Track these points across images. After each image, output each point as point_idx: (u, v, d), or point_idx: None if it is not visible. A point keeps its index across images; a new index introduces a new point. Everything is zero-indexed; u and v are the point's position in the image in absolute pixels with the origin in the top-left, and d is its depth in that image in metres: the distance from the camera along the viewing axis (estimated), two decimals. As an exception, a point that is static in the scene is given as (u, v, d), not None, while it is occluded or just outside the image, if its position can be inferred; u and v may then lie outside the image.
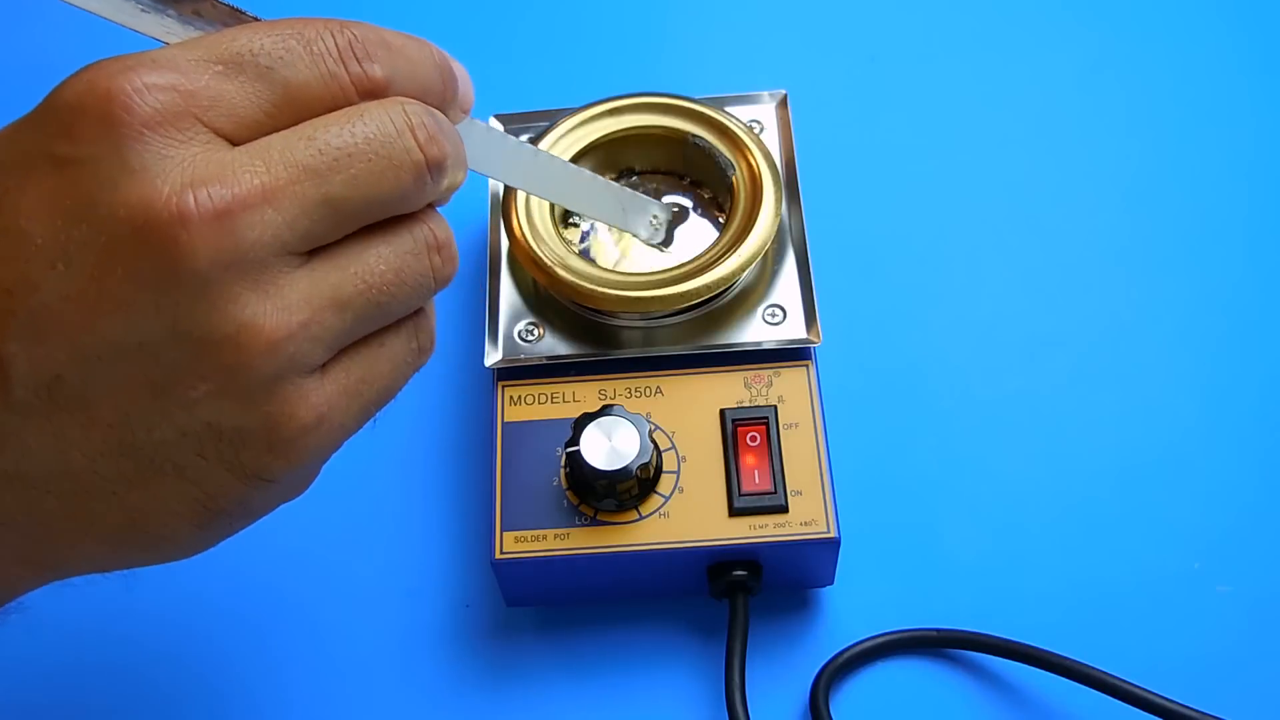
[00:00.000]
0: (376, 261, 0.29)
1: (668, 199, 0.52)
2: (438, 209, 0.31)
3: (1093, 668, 0.43)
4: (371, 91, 0.29)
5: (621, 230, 0.47)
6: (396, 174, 0.29)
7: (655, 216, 0.48)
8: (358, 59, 0.29)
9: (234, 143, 0.27)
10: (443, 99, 0.31)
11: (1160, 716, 0.42)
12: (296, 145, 0.27)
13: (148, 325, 0.26)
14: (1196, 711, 0.42)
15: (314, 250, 0.28)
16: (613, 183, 0.45)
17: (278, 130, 0.28)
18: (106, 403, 0.27)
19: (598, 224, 0.51)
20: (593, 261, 0.49)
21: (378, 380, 0.31)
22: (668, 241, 0.49)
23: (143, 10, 0.29)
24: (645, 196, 0.48)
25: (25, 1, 0.68)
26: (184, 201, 0.26)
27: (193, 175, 0.26)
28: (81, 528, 0.29)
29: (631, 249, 0.50)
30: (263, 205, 0.27)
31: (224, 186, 0.26)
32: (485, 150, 0.36)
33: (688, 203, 0.52)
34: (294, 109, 0.28)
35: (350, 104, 0.29)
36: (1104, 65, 0.62)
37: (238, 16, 0.30)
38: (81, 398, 0.27)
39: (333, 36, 0.28)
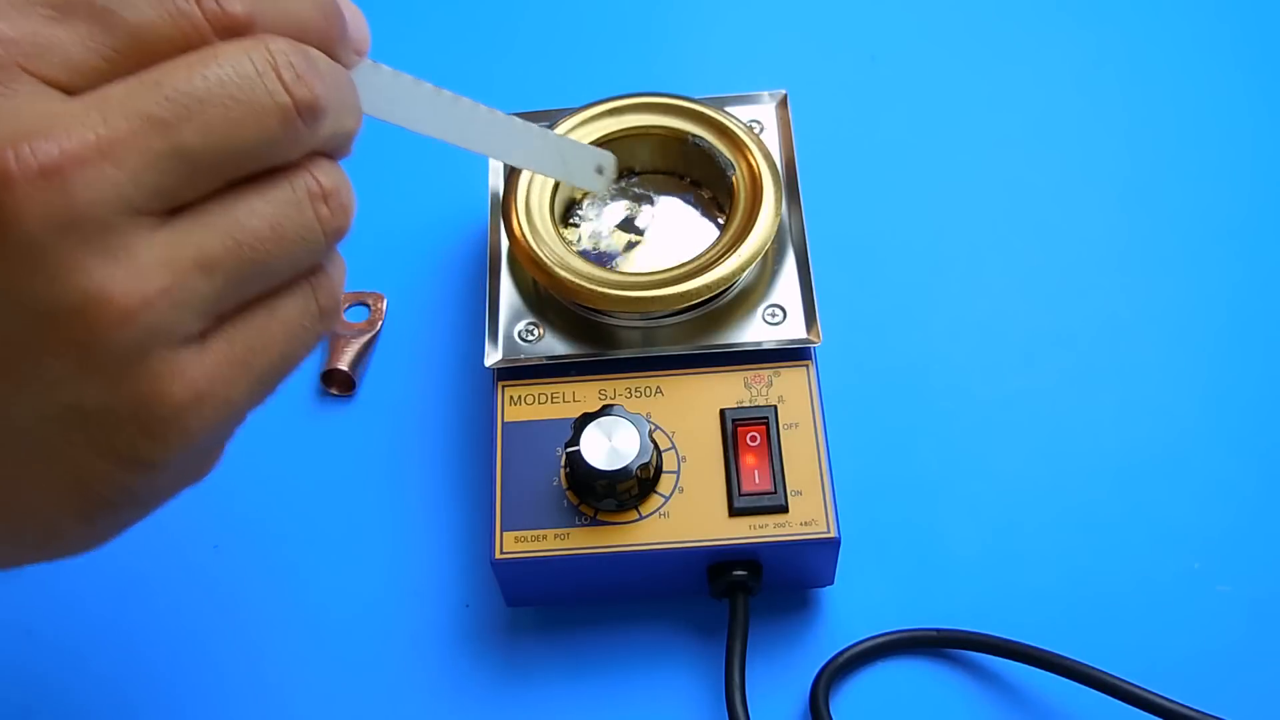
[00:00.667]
0: (248, 216, 0.26)
1: (668, 199, 0.52)
2: (338, 162, 0.28)
3: (1093, 668, 0.43)
4: (231, 30, 0.25)
5: (567, 183, 0.45)
6: (258, 119, 0.25)
7: (600, 167, 0.45)
8: None
9: (69, 94, 0.24)
10: (326, 38, 0.27)
11: (1160, 716, 0.42)
12: (139, 93, 0.24)
13: None
14: (1196, 711, 0.42)
15: (176, 210, 0.25)
16: (549, 131, 0.42)
17: (121, 78, 0.25)
18: None
19: (594, 226, 0.51)
20: (592, 260, 0.49)
21: (270, 348, 0.27)
22: (638, 229, 0.48)
23: None
24: (588, 145, 0.45)
25: None
26: (5, 160, 0.23)
27: (15, 130, 0.23)
28: None
29: (623, 244, 0.50)
30: (100, 161, 0.24)
31: (51, 141, 0.23)
32: (391, 96, 0.32)
33: (684, 203, 0.52)
34: (138, 54, 0.25)
35: (206, 46, 0.25)
36: (1103, 65, 0.62)
37: None
38: None
39: None
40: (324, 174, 0.27)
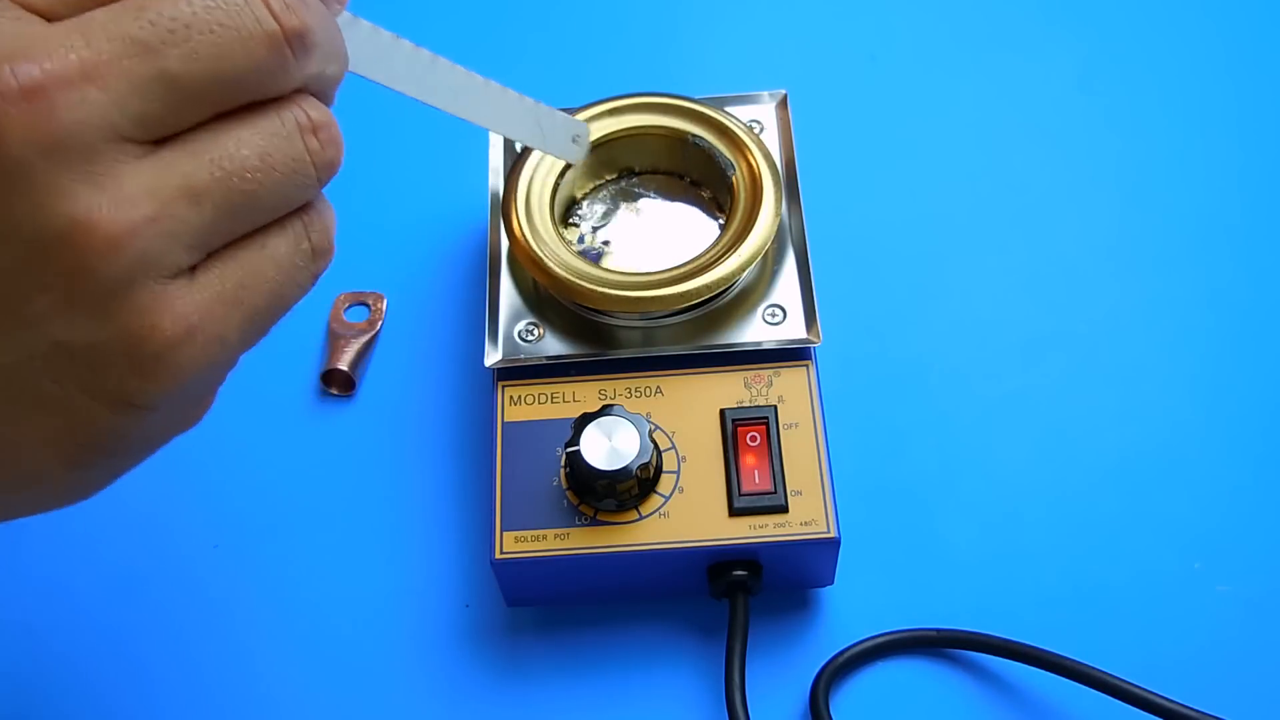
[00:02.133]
0: (236, 146, 0.25)
1: (667, 200, 0.52)
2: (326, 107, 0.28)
3: (1093, 668, 0.43)
4: None
5: (541, 151, 0.44)
6: (245, 46, 0.25)
7: (576, 136, 0.45)
8: None
9: (50, 20, 0.24)
10: None
11: (1160, 716, 0.42)
12: (123, 17, 0.24)
13: None
14: (1196, 711, 0.42)
15: (161, 141, 0.25)
16: (527, 97, 0.41)
17: (103, 4, 0.24)
18: None
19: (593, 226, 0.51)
20: (592, 260, 0.49)
21: (262, 285, 0.27)
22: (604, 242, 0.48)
23: None
24: (565, 114, 0.45)
25: None
26: None
27: None
28: None
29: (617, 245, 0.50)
30: (83, 83, 0.23)
31: (34, 63, 0.23)
32: (371, 52, 0.32)
33: (684, 203, 0.52)
34: None
35: None
36: (1104, 65, 0.62)
37: None
38: None
39: None
40: (313, 107, 0.27)
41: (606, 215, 0.51)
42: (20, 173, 0.23)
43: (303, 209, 0.28)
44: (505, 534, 0.44)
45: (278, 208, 0.27)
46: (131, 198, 0.24)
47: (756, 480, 0.44)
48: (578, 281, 0.46)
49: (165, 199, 0.25)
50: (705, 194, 0.52)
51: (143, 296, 0.25)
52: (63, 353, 0.25)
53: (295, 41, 0.26)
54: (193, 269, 0.26)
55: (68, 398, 0.25)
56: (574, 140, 0.45)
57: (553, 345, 0.47)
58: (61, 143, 0.23)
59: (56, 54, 0.23)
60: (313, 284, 0.29)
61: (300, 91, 0.27)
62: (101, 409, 0.26)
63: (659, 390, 0.46)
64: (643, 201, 0.52)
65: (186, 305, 0.25)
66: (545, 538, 0.44)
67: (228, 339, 0.26)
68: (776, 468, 0.44)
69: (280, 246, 0.27)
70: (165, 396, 0.26)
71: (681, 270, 0.47)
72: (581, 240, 0.50)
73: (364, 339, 0.53)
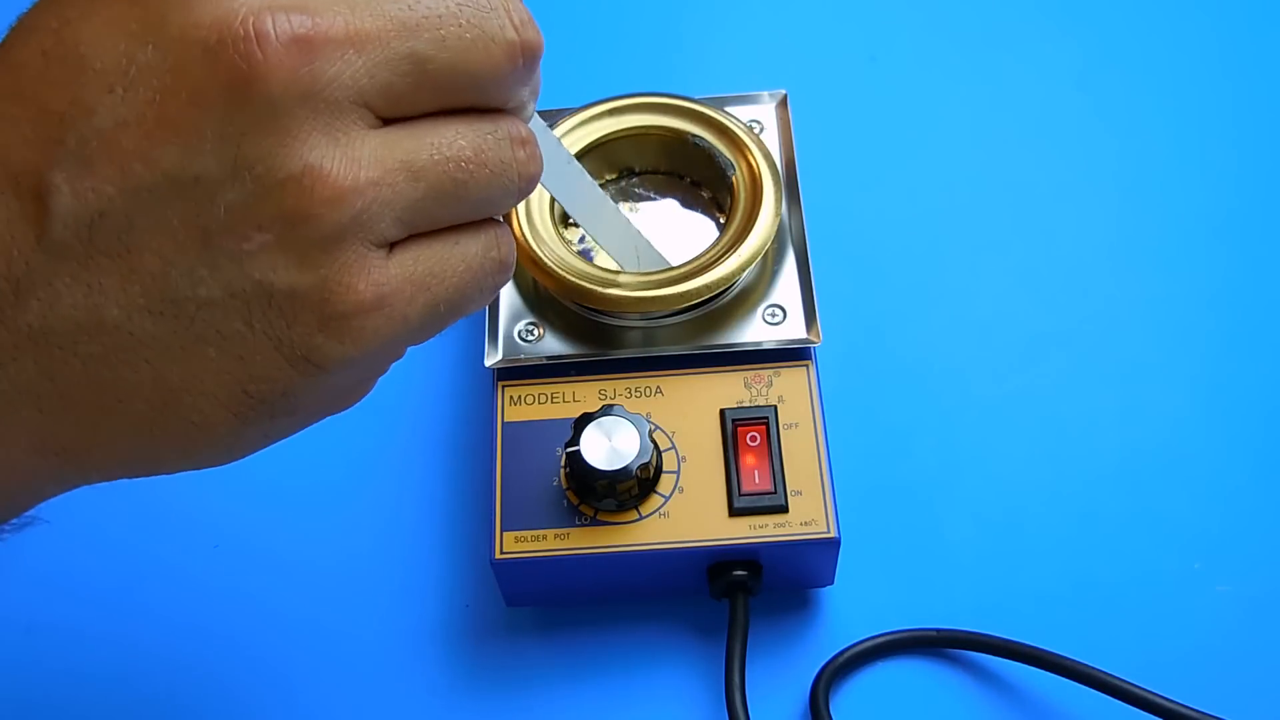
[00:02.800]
0: (455, 136, 0.28)
1: (668, 200, 0.52)
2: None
3: (1093, 668, 0.43)
4: None
5: (630, 270, 0.47)
6: (488, 47, 0.27)
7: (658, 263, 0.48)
8: None
9: None
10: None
11: (1160, 716, 0.42)
12: None
13: (208, 155, 0.25)
14: (1196, 711, 0.42)
15: (392, 121, 0.27)
16: (632, 224, 0.45)
17: None
18: (152, 248, 0.25)
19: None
20: (592, 261, 0.49)
21: (448, 279, 0.28)
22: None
23: None
24: (658, 251, 0.47)
25: None
26: (262, 21, 0.24)
27: (274, 1, 0.25)
28: (108, 404, 0.26)
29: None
30: (345, 44, 0.25)
31: (308, 15, 0.25)
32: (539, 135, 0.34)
33: (684, 203, 0.52)
34: None
35: None
36: (1103, 64, 0.62)
37: None
38: (125, 241, 0.25)
39: None
40: (522, 126, 0.29)
41: None
42: (273, 112, 0.25)
43: (494, 222, 0.30)
44: (505, 534, 0.44)
45: (479, 207, 0.29)
46: (361, 159, 0.26)
47: (756, 480, 0.44)
48: (578, 281, 0.46)
49: (389, 168, 0.26)
50: (705, 194, 0.52)
51: (348, 255, 0.26)
52: (262, 294, 0.26)
53: (528, 56, 0.28)
54: (392, 246, 0.27)
55: (254, 342, 0.26)
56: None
57: (553, 345, 0.47)
58: (315, 94, 0.25)
59: (327, 14, 0.25)
60: (491, 295, 0.30)
61: (512, 110, 0.29)
62: (281, 360, 0.27)
63: (659, 390, 0.46)
64: (643, 202, 0.52)
65: (382, 275, 0.27)
66: (545, 538, 0.44)
67: (409, 320, 0.28)
68: (776, 468, 0.44)
69: (472, 247, 0.29)
70: (341, 360, 0.27)
71: (681, 270, 0.47)
72: (582, 240, 0.50)
73: (364, 339, 0.53)
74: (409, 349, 0.29)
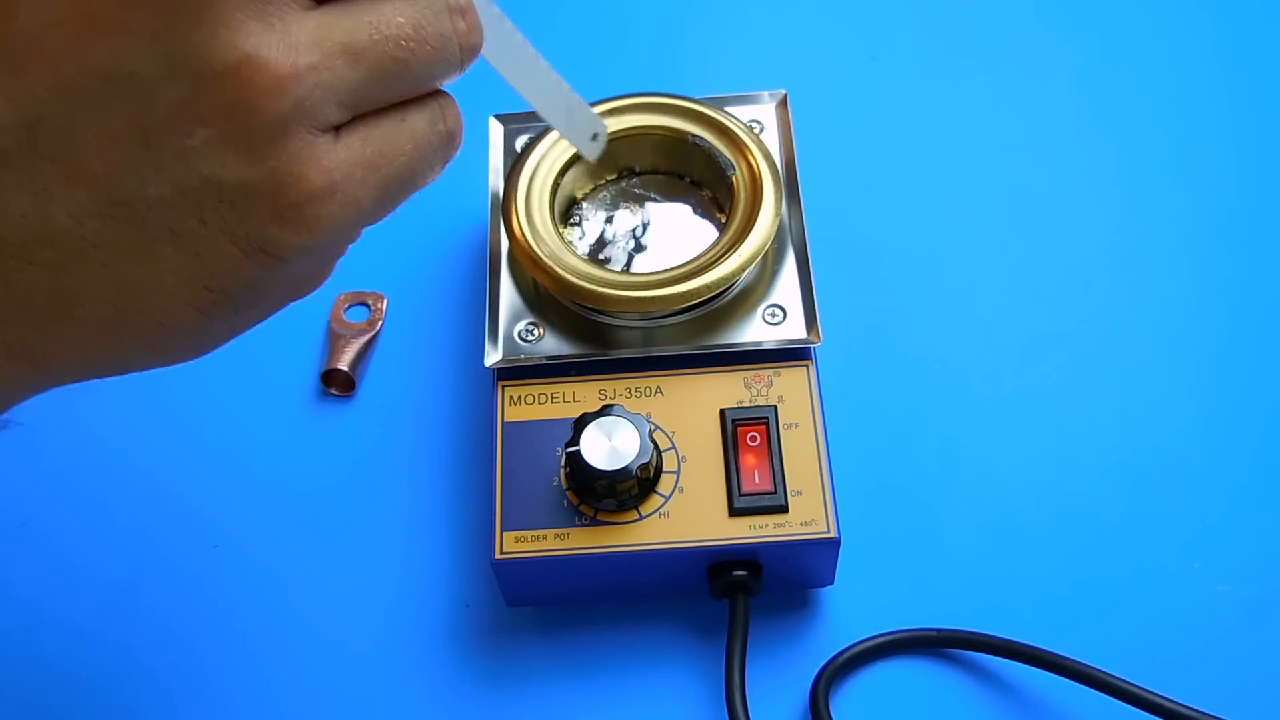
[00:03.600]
0: (393, 13, 0.27)
1: (668, 200, 0.52)
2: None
3: (1093, 668, 0.43)
4: None
5: (563, 136, 0.45)
6: None
7: (597, 134, 0.45)
8: None
9: None
10: None
11: (1160, 716, 0.42)
12: None
13: (141, 51, 0.24)
14: (1196, 711, 0.42)
15: (324, 1, 0.26)
16: (565, 83, 0.42)
17: None
18: (94, 150, 0.25)
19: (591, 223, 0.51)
20: (591, 260, 0.49)
21: (397, 156, 0.28)
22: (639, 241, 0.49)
23: None
24: (594, 112, 0.45)
25: None
26: None
27: None
28: (69, 309, 0.26)
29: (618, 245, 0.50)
30: None
31: None
32: None
33: (684, 203, 0.52)
34: None
35: None
36: (1103, 64, 0.62)
37: None
38: (66, 144, 0.25)
39: None
40: None
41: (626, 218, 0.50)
42: (200, 3, 0.24)
43: (439, 94, 0.29)
44: (505, 534, 0.44)
45: (422, 81, 0.28)
46: (298, 44, 0.25)
47: (756, 480, 0.44)
48: (578, 281, 0.46)
49: (328, 51, 0.26)
50: (705, 194, 0.52)
51: (295, 143, 0.26)
52: (212, 190, 0.25)
53: None
54: (338, 129, 0.27)
55: (210, 238, 0.26)
56: (593, 137, 0.45)
57: (553, 345, 0.47)
58: None
59: None
60: (441, 168, 0.30)
61: None
62: (238, 254, 0.26)
63: (659, 390, 0.46)
64: (643, 202, 0.52)
65: (331, 160, 0.26)
66: (545, 538, 0.44)
67: (362, 203, 0.28)
68: (776, 468, 0.44)
69: (418, 122, 0.29)
70: (298, 249, 0.27)
71: (681, 270, 0.47)
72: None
73: (364, 339, 0.53)
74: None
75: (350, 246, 0.30)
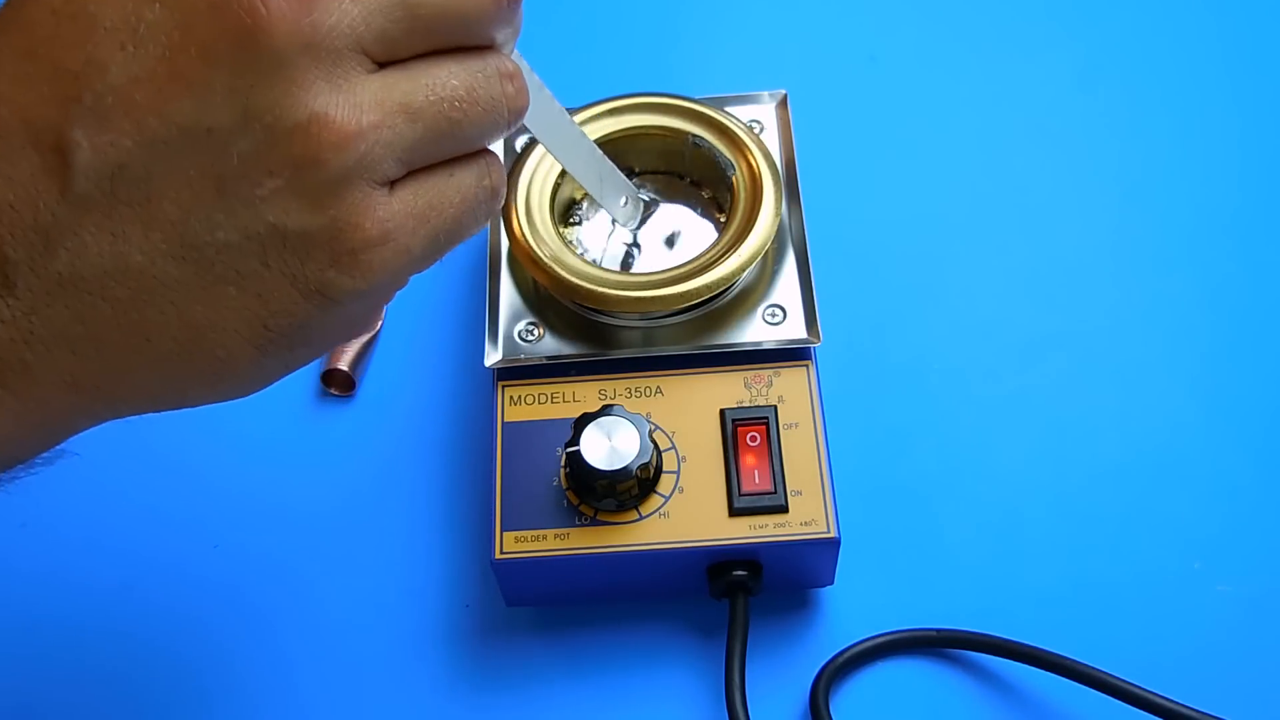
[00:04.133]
0: (448, 76, 0.29)
1: (668, 204, 0.52)
2: None
3: (1093, 668, 0.43)
4: None
5: (594, 201, 0.47)
6: None
7: (628, 199, 0.48)
8: None
9: None
10: None
11: (1160, 716, 0.42)
12: None
13: (219, 108, 0.26)
14: (1196, 711, 0.42)
15: (387, 65, 0.28)
16: (598, 149, 0.45)
17: None
18: (170, 197, 0.27)
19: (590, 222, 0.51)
20: (591, 260, 0.49)
21: (446, 210, 0.30)
22: (639, 224, 0.50)
23: None
24: (625, 178, 0.48)
25: None
26: None
27: None
28: (137, 344, 0.28)
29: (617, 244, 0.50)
30: None
31: None
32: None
33: (687, 210, 0.52)
34: None
35: None
36: (1104, 64, 0.62)
37: None
38: (145, 191, 0.26)
39: None
40: (509, 61, 0.31)
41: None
42: (278, 62, 0.26)
43: (485, 152, 0.31)
44: (505, 534, 0.44)
45: (472, 141, 0.30)
46: (362, 103, 0.27)
47: (756, 480, 0.44)
48: (578, 281, 0.46)
49: (388, 110, 0.28)
50: (705, 194, 0.52)
51: (355, 195, 0.28)
52: (276, 236, 0.27)
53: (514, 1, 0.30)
54: (393, 183, 0.29)
55: (272, 280, 0.28)
56: (624, 203, 0.48)
57: (553, 345, 0.47)
58: (318, 44, 0.26)
59: None
60: (486, 220, 0.32)
61: (497, 46, 0.31)
62: (297, 295, 0.28)
63: (659, 390, 0.46)
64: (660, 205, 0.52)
65: (386, 212, 0.28)
66: (545, 538, 0.44)
67: (413, 251, 0.29)
68: (776, 468, 0.44)
69: (467, 178, 0.31)
70: (352, 293, 0.29)
71: (681, 270, 0.47)
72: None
73: (364, 339, 0.53)
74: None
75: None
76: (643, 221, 0.50)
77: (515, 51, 0.33)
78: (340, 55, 0.27)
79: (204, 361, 0.29)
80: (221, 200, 0.27)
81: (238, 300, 0.28)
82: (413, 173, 0.29)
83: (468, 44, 0.30)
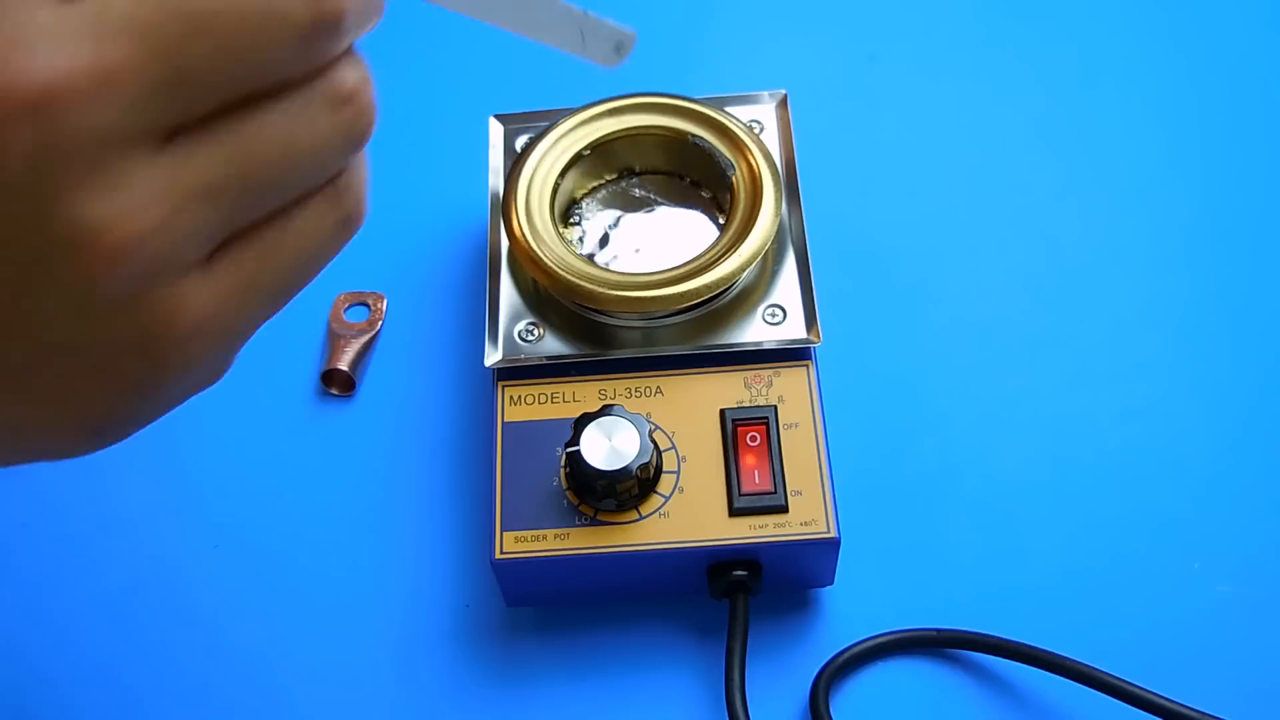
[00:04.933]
0: (258, 132, 0.24)
1: (668, 200, 0.52)
2: (356, 52, 0.26)
3: (1093, 668, 0.43)
4: None
5: (581, 56, 0.43)
6: (273, 37, 0.23)
7: (621, 44, 0.41)
8: None
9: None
10: None
11: (1160, 716, 0.42)
12: (144, 5, 0.22)
13: None
14: (1196, 711, 0.42)
15: (178, 130, 0.23)
16: (568, 2, 0.38)
17: None
18: None
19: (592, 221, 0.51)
20: (591, 260, 0.49)
21: (283, 265, 0.26)
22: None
23: None
24: (609, 22, 0.41)
25: None
26: None
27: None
28: None
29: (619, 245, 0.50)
30: (94, 89, 0.21)
31: (40, 64, 0.21)
32: None
33: (684, 203, 0.52)
34: None
35: None
36: (1104, 64, 0.62)
37: None
38: None
39: None
40: (344, 72, 0.25)
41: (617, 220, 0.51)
42: (21, 184, 0.21)
43: (332, 177, 0.26)
44: (505, 534, 0.44)
45: (301, 188, 0.25)
46: (141, 202, 0.22)
47: (756, 480, 0.44)
48: (578, 281, 0.46)
49: (180, 198, 0.23)
50: (705, 194, 0.52)
51: (155, 298, 0.24)
52: (86, 349, 0.24)
53: (327, 29, 0.24)
54: (209, 258, 0.24)
55: (84, 387, 0.25)
56: (616, 49, 0.41)
57: (553, 345, 0.47)
58: (67, 153, 0.21)
59: (67, 53, 0.21)
60: (341, 249, 0.27)
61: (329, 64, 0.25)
62: (118, 394, 0.25)
63: (659, 390, 0.46)
64: (643, 202, 0.52)
65: (200, 300, 0.24)
66: (545, 538, 0.44)
67: (247, 318, 0.26)
68: (776, 468, 0.44)
69: (307, 224, 0.26)
70: (182, 377, 0.25)
71: (681, 270, 0.47)
72: (582, 240, 0.50)
73: (364, 339, 0.53)
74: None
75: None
76: (639, 204, 0.48)
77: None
78: (101, 155, 0.22)
79: (34, 452, 0.27)
80: (20, 323, 0.23)
81: (54, 404, 0.25)
82: (235, 236, 0.25)
83: (280, 79, 0.24)
